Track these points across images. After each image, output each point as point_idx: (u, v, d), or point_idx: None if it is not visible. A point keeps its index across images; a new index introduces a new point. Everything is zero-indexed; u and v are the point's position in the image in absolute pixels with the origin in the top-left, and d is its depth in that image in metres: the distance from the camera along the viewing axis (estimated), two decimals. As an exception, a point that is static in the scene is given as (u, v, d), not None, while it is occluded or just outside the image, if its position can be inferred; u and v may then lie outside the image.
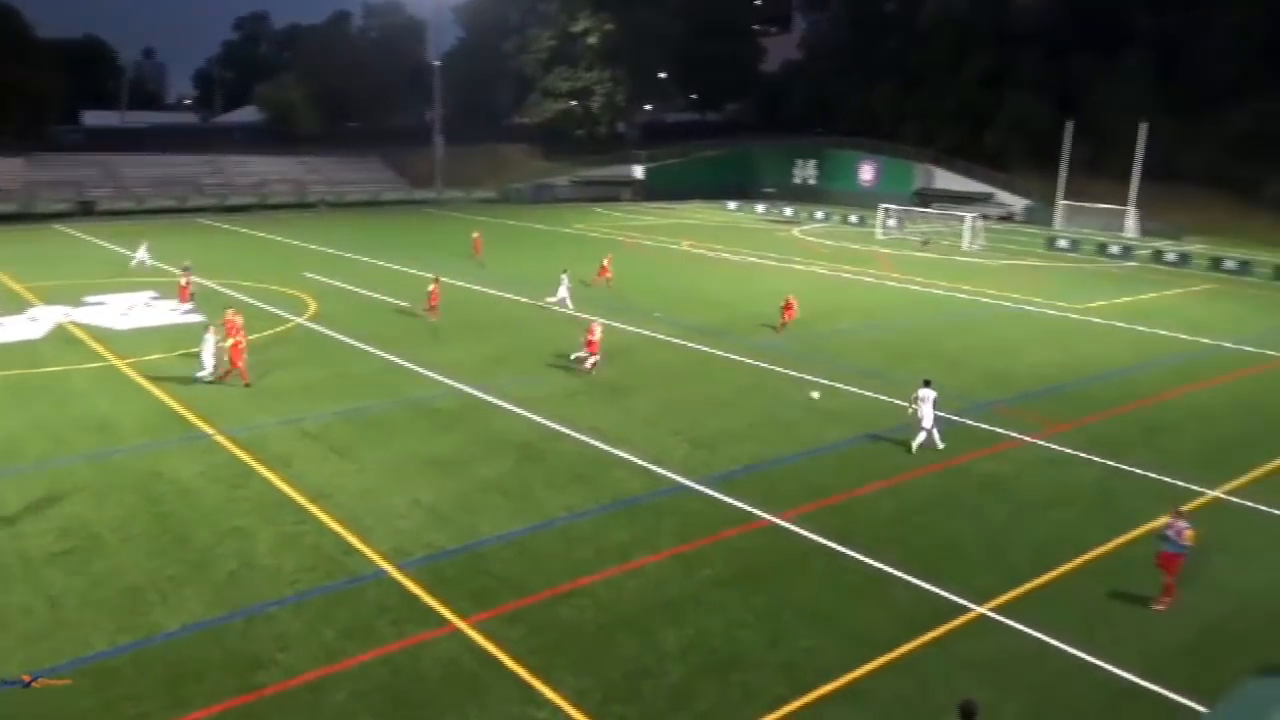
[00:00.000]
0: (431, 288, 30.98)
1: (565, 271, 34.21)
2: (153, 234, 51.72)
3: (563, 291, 33.26)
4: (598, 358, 24.83)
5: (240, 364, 23.25)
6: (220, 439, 19.56)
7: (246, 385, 23.00)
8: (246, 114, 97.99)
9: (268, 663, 11.87)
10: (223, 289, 36.07)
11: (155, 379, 23.67)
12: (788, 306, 31.04)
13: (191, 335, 28.04)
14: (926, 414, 19.70)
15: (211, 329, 23.83)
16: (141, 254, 40.11)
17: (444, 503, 16.77)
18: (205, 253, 45.15)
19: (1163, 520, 14.22)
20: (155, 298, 33.92)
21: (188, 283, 32.95)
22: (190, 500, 16.60)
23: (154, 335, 28.56)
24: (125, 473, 17.77)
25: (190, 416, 20.93)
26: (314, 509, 16.32)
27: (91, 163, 71.12)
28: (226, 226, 58.34)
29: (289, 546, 14.98)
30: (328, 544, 15.09)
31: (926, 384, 20.18)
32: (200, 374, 23.29)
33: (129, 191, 68.00)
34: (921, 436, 19.83)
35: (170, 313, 31.69)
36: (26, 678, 11.19)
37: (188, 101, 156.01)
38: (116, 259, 42.95)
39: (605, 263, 37.68)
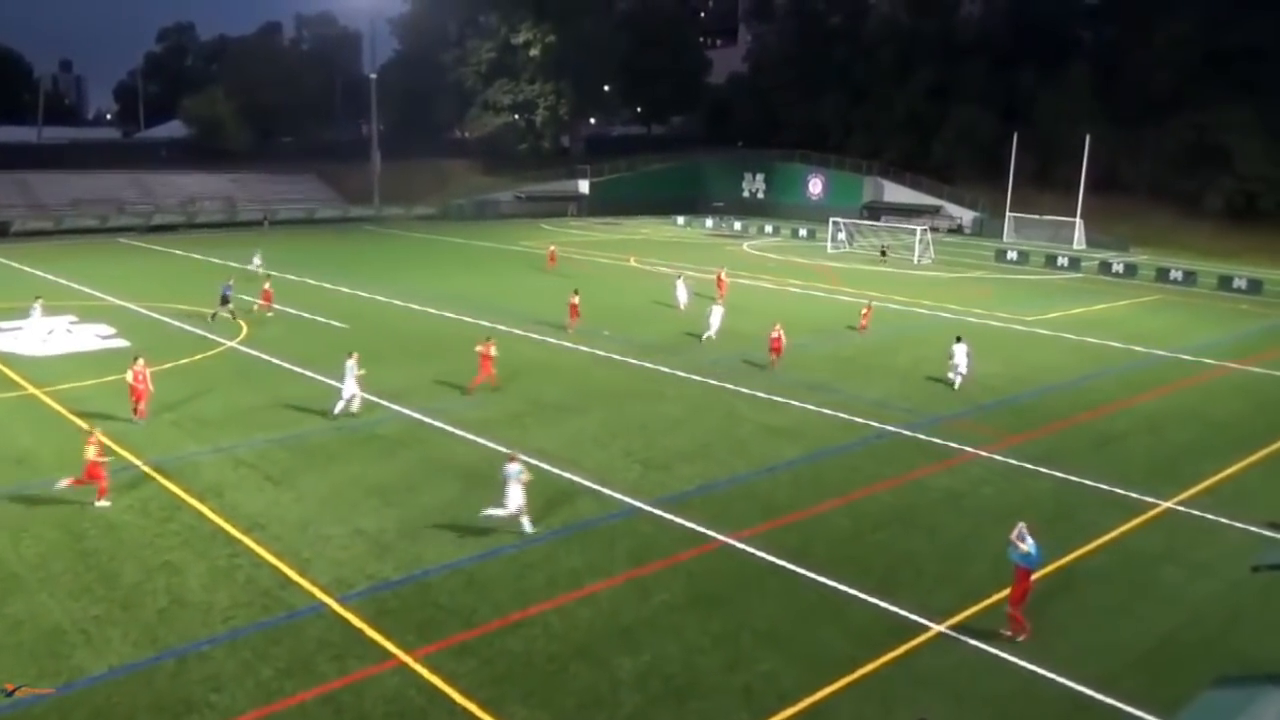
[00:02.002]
0: (574, 300, 32.47)
1: (680, 276, 37.90)
2: (72, 255, 49.90)
3: (683, 295, 36.58)
4: (777, 357, 27.69)
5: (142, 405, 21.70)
6: (148, 470, 18.66)
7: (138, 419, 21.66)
8: (172, 129, 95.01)
9: (200, 705, 11.29)
10: (149, 313, 34.77)
11: (77, 409, 22.54)
12: (866, 311, 34.38)
13: (115, 362, 26.86)
14: (961, 362, 25.91)
15: (354, 356, 22.56)
16: (256, 260, 43.03)
17: (387, 532, 16.20)
18: (129, 275, 43.63)
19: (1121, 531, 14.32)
20: (75, 322, 32.48)
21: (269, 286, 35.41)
22: (116, 535, 15.78)
23: (76, 362, 27.30)
24: (44, 507, 16.84)
25: (115, 447, 19.86)
26: (248, 541, 15.64)
27: (5, 181, 68.17)
28: (152, 247, 56.50)
29: (222, 581, 14.31)
30: (263, 577, 14.45)
31: (959, 340, 26.42)
32: (346, 399, 22.23)
33: (46, 211, 65.43)
34: (958, 379, 25.97)
35: (93, 338, 30.36)
36: (10, 687, 10.87)
37: (109, 116, 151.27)
38: (33, 282, 41.12)
39: (722, 275, 39.78)
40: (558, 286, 43.14)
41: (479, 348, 24.46)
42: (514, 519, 16.04)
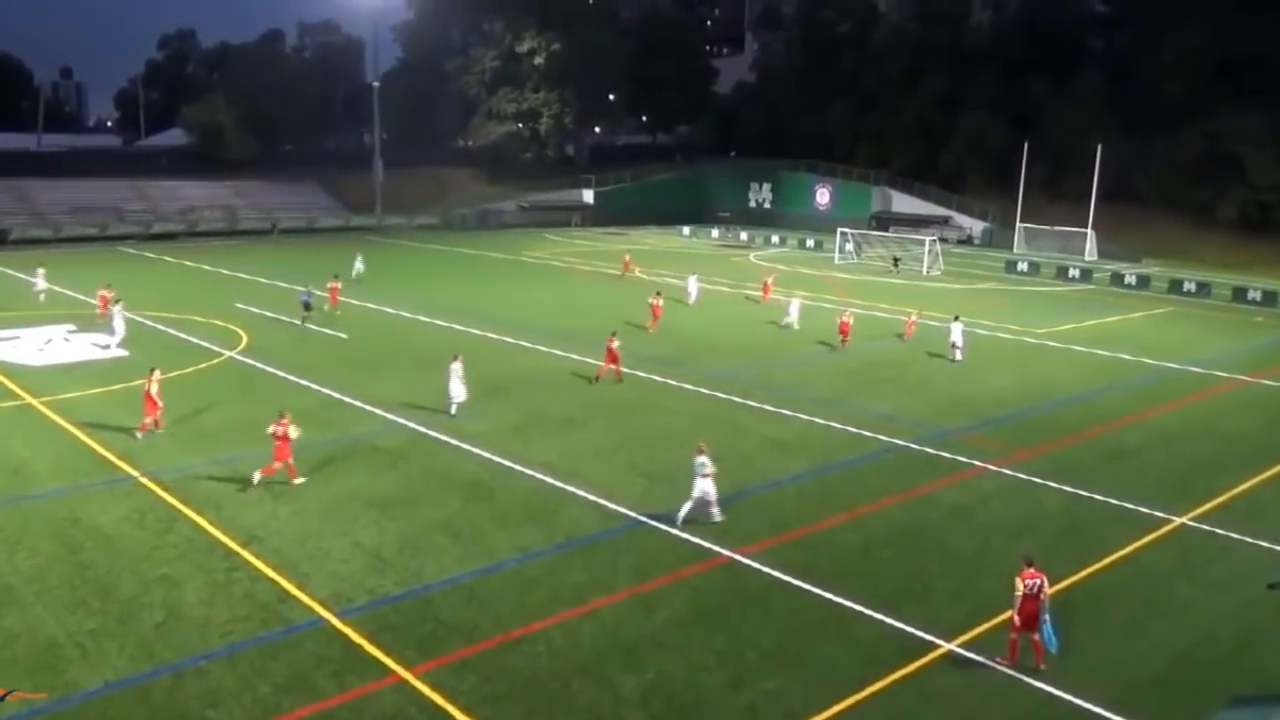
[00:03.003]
0: (656, 301, 34.63)
1: (694, 274, 41.97)
2: (71, 264, 49.78)
3: (693, 290, 40.46)
4: (846, 339, 31.93)
5: (152, 417, 21.08)
6: (145, 482, 18.45)
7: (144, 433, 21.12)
8: (172, 137, 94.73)
9: (197, 722, 11.06)
10: (148, 322, 34.57)
11: (74, 419, 22.34)
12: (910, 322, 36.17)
13: (113, 371, 26.72)
14: (959, 340, 30.40)
15: (459, 358, 23.12)
16: (358, 265, 45.69)
17: (387, 546, 15.99)
18: (128, 284, 43.38)
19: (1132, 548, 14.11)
20: (73, 331, 32.30)
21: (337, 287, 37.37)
22: (112, 548, 15.58)
23: (73, 372, 27.10)
24: (40, 519, 16.65)
25: (112, 458, 19.76)
26: (247, 554, 15.43)
27: (4, 189, 68.04)
28: (151, 255, 56.39)
29: (220, 595, 14.11)
30: (262, 591, 14.25)
31: (956, 319, 31.17)
32: (457, 401, 22.92)
33: (45, 219, 65.32)
34: (956, 354, 30.43)
35: (91, 347, 30.16)
36: (1, 691, 10.82)
37: (109, 124, 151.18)
38: (30, 290, 40.93)
39: (769, 281, 42.28)
40: (555, 295, 43.19)
41: (610, 342, 26.58)
42: (705, 510, 16.73)
